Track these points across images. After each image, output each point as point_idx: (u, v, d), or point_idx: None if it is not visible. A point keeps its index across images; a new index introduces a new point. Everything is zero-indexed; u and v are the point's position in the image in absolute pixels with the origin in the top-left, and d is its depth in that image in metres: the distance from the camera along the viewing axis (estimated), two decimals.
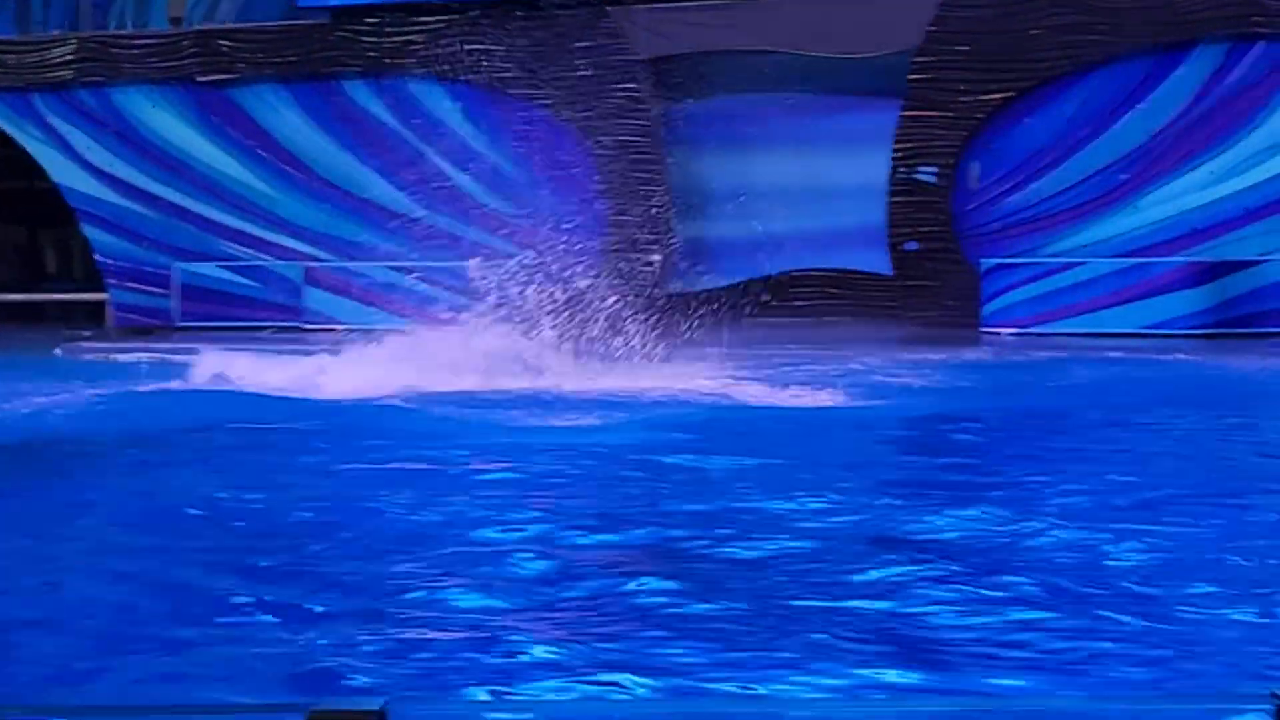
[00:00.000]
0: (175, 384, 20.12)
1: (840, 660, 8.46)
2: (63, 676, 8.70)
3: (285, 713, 3.81)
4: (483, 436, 16.23)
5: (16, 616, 9.94)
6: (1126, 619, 8.91)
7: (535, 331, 22.85)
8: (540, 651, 8.91)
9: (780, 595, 9.84)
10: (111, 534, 12.53)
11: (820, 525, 11.43)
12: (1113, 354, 22.80)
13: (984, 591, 9.63)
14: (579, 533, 11.66)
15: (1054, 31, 26.05)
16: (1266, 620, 8.92)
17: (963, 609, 9.26)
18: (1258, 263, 25.01)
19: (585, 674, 8.56)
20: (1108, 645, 8.48)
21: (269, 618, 9.84)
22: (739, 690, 8.04)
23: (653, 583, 10.10)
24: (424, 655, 8.74)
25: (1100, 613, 9.08)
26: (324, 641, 9.02)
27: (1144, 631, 8.73)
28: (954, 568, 10.16)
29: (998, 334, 25.59)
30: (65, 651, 9.18)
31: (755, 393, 19.71)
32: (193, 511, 12.80)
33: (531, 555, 11.16)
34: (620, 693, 8.07)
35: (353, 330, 27.21)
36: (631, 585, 10.13)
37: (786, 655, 8.52)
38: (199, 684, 8.41)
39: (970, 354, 23.58)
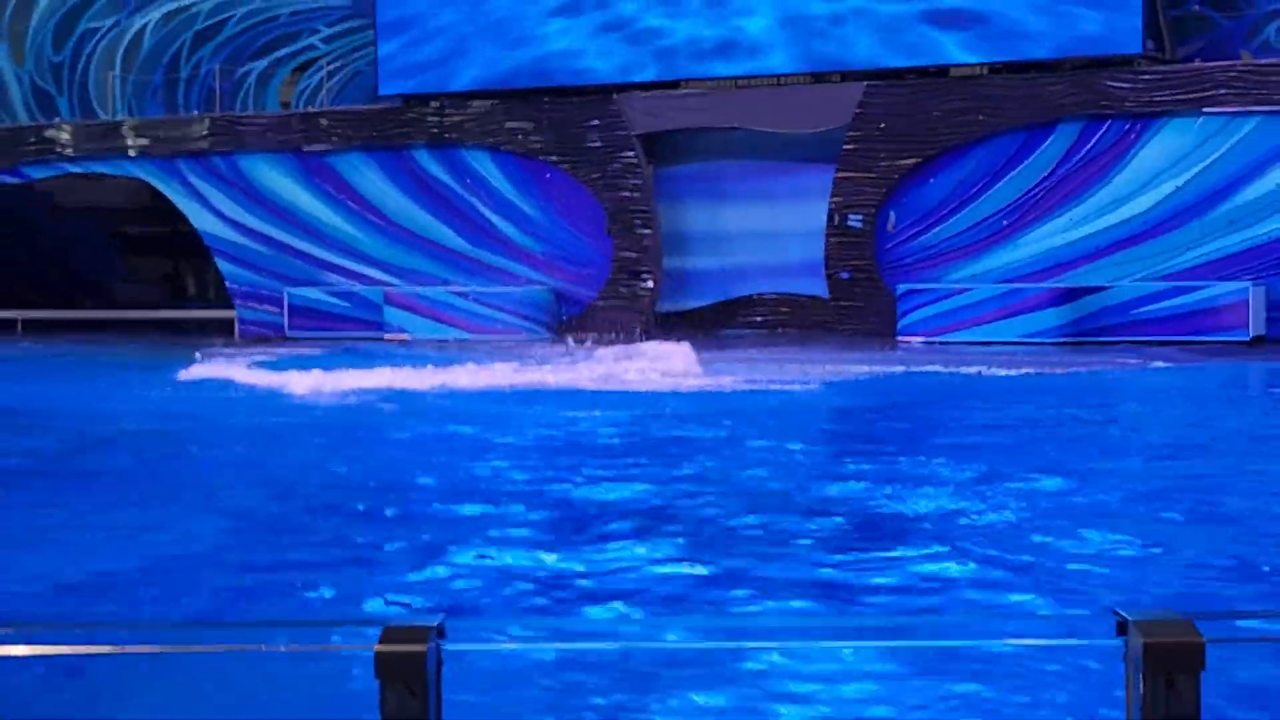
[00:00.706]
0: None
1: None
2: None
3: (365, 625, 3.48)
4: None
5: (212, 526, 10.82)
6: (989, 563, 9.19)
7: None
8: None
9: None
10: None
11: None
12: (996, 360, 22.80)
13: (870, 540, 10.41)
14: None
15: (950, 113, 26.16)
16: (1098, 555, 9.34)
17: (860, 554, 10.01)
18: (1106, 288, 25.02)
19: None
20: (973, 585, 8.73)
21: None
22: None
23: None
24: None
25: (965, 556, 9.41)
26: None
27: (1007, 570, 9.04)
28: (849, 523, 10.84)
29: (910, 342, 25.65)
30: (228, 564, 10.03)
31: (729, 382, 20.45)
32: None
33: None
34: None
35: (423, 339, 28.18)
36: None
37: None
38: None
39: (886, 357, 23.87)
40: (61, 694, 6.10)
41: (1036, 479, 12.13)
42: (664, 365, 21.59)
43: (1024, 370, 21.40)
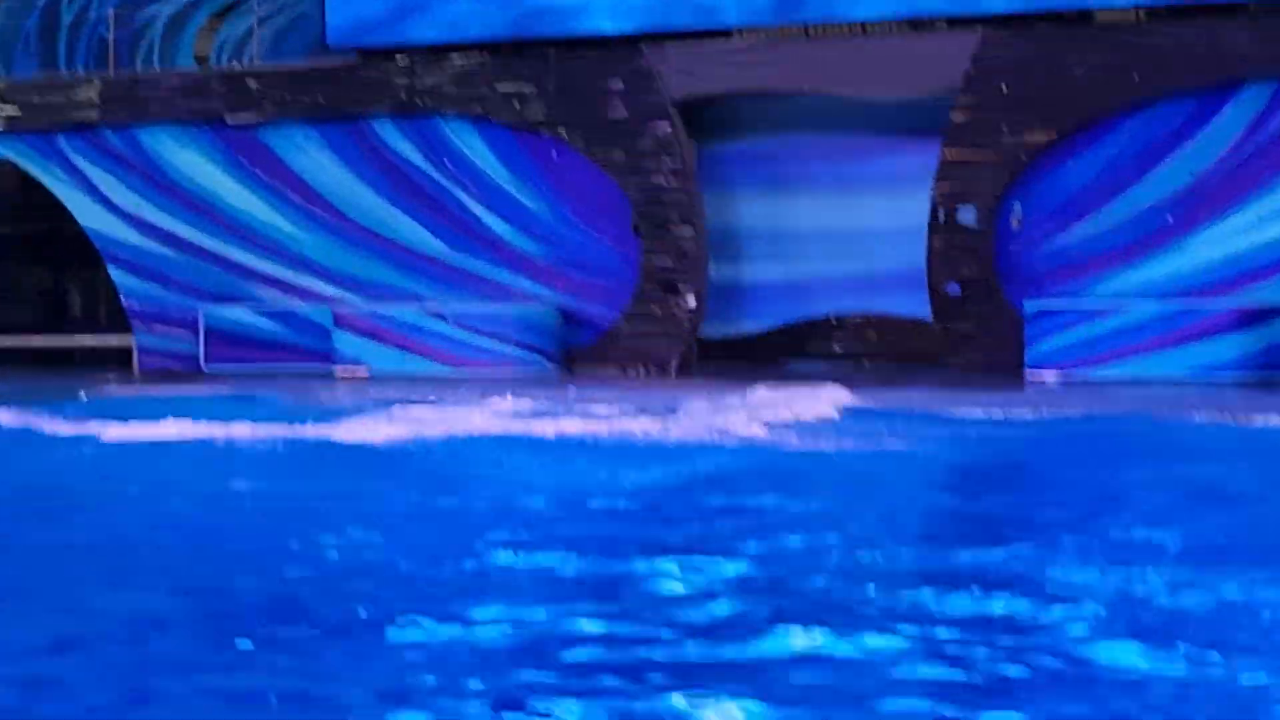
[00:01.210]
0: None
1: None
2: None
3: None
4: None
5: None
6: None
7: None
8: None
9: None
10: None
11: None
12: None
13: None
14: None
15: (1097, 71, 25.83)
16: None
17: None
18: None
19: None
20: None
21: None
22: None
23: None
24: None
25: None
26: None
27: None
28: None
29: (1041, 378, 25.27)
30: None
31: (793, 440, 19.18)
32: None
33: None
34: None
35: (385, 375, 27.48)
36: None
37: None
38: None
39: (1010, 398, 23.00)
40: None
41: None
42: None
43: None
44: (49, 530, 14.09)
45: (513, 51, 28.59)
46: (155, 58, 32.37)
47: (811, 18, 27.55)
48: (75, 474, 17.35)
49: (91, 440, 19.32)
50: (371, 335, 28.72)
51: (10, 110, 30.83)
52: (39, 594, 11.99)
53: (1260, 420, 20.49)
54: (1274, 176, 25.26)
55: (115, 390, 27.19)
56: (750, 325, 29.06)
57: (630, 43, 28.00)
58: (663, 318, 27.96)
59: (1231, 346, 24.74)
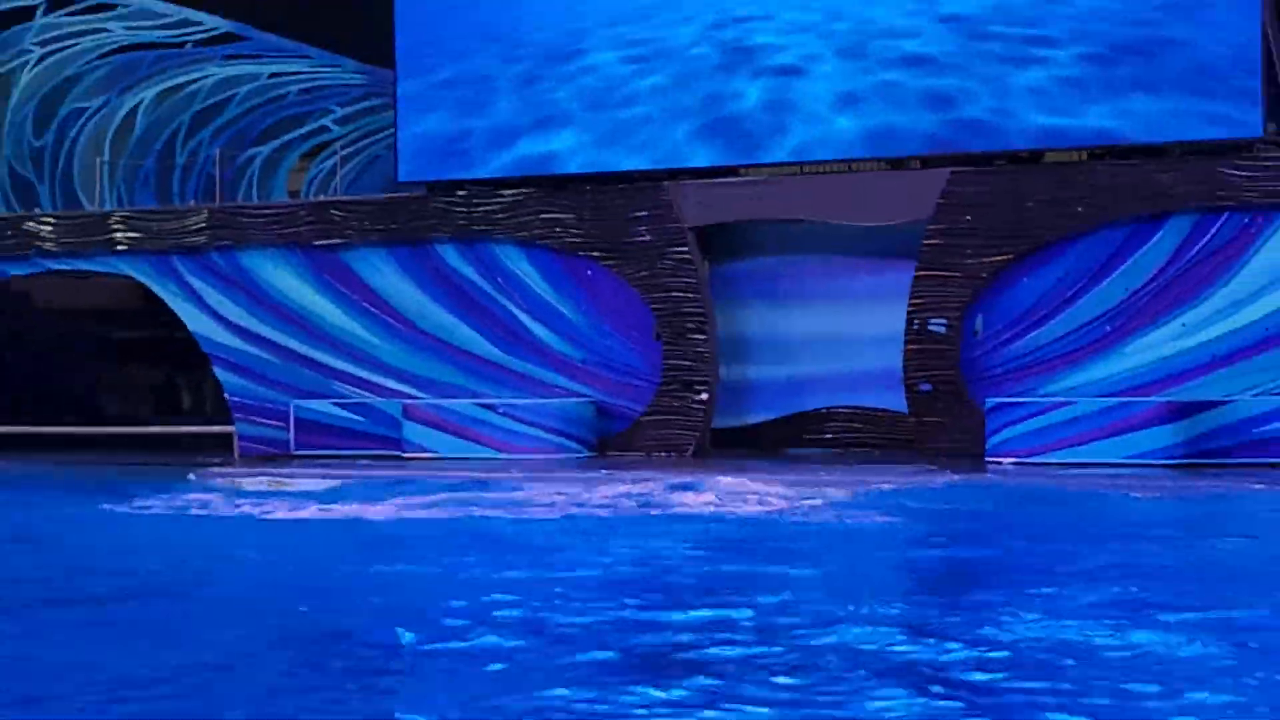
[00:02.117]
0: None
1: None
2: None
3: None
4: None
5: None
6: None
7: None
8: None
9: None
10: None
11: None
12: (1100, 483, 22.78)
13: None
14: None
15: (1047, 204, 25.99)
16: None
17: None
18: (1225, 403, 24.73)
19: None
20: None
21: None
22: None
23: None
24: None
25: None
26: None
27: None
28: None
29: (1000, 463, 25.26)
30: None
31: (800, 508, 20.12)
32: None
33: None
34: None
35: (447, 458, 27.97)
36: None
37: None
38: None
39: (979, 478, 23.61)
40: None
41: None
42: None
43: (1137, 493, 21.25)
44: (222, 585, 15.24)
45: (554, 185, 28.84)
46: (254, 192, 32.59)
47: (804, 158, 27.73)
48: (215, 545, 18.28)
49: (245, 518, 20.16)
50: (434, 425, 28.76)
51: (134, 235, 31.07)
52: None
53: (1181, 493, 21.49)
54: (1196, 293, 25.23)
55: (231, 472, 26.96)
56: (754, 416, 29.03)
57: (653, 180, 28.28)
58: (680, 410, 28.07)
59: (1160, 437, 24.59)
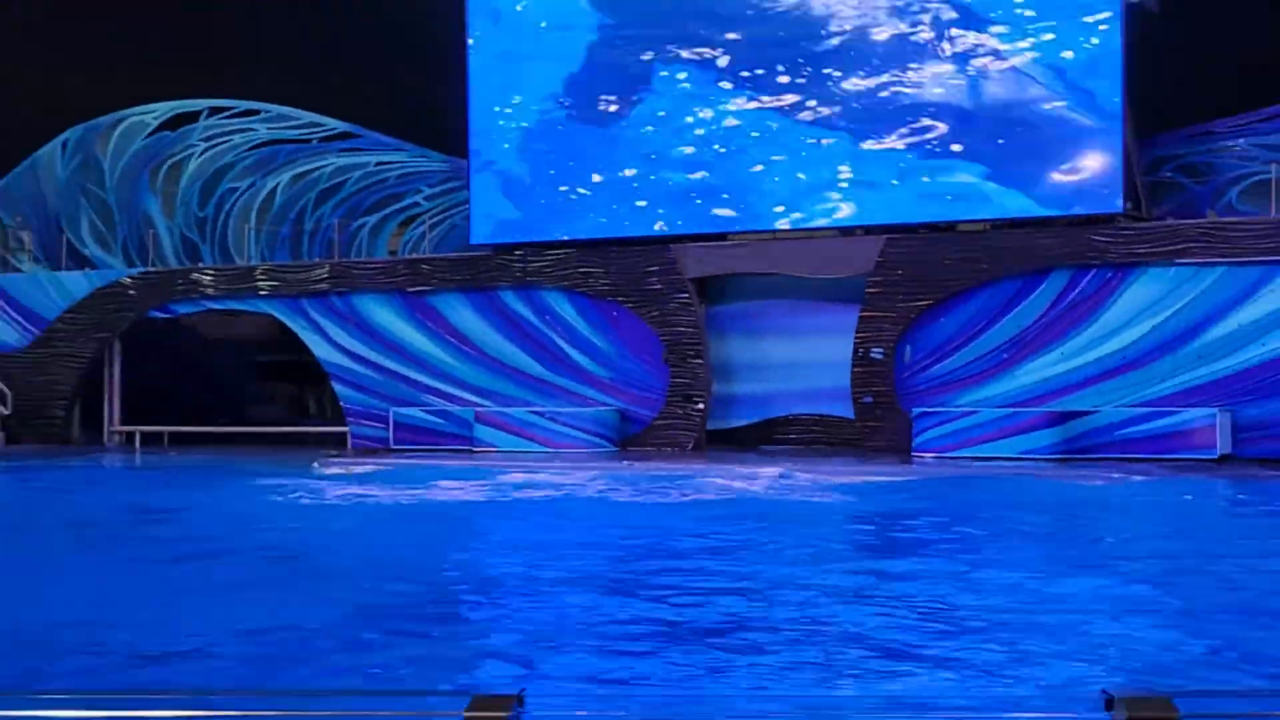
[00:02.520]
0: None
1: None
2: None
3: (452, 697, 3.46)
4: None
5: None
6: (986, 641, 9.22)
7: None
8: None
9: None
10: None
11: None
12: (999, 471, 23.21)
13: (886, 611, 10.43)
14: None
15: (959, 262, 26.20)
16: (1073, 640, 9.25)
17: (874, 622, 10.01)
18: (1092, 412, 24.86)
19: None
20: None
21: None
22: None
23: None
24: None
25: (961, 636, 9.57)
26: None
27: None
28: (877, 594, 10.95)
29: (923, 457, 25.44)
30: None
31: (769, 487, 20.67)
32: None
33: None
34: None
35: (507, 452, 28.28)
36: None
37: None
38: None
39: (903, 468, 23.93)
40: None
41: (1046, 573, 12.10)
42: None
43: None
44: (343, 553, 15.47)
45: (588, 247, 29.10)
46: (363, 250, 32.70)
47: (777, 227, 27.94)
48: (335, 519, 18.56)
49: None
50: (498, 427, 29.01)
51: (273, 283, 31.53)
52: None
53: (1055, 478, 21.93)
54: (1071, 329, 25.32)
55: (346, 460, 27.47)
56: (737, 421, 28.82)
57: (663, 243, 28.54)
58: (682, 416, 28.30)
59: (1044, 437, 24.78)
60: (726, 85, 28.38)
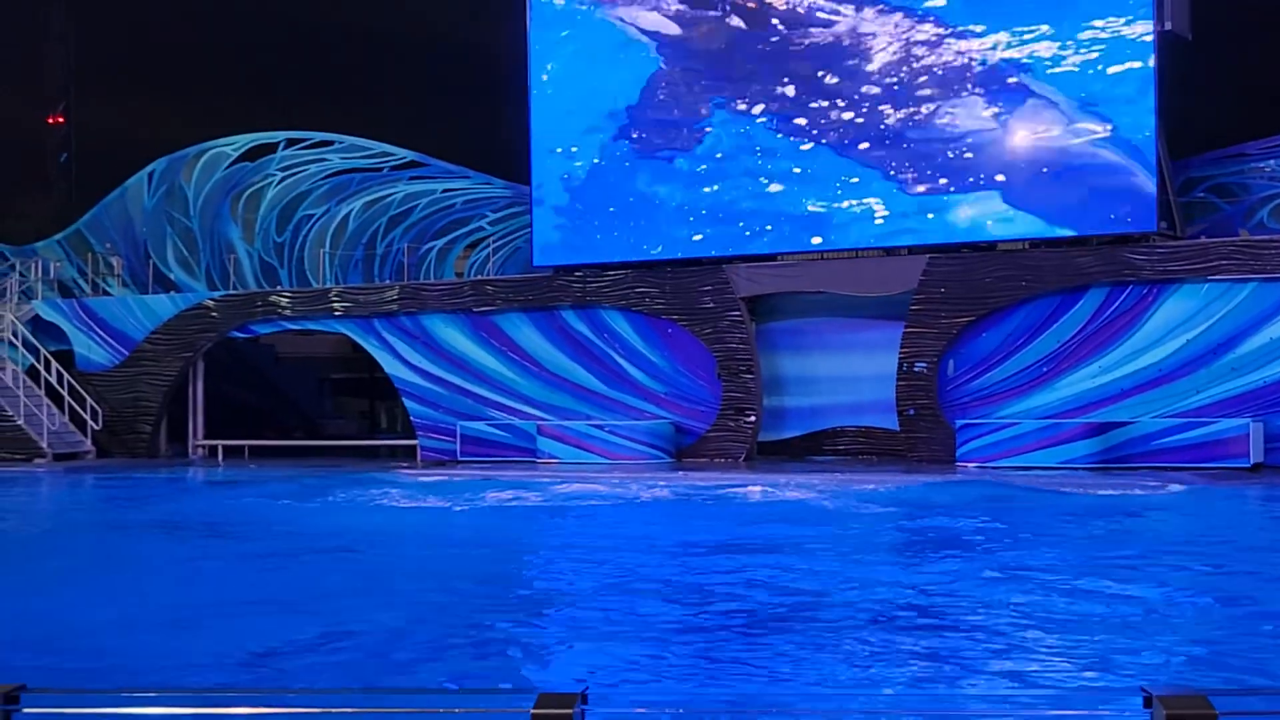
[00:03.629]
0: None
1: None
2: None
3: (519, 695, 3.46)
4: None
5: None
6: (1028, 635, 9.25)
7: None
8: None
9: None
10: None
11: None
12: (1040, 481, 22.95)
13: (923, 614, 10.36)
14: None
15: (999, 280, 26.08)
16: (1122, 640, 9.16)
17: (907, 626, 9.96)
18: (1130, 423, 24.65)
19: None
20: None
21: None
22: None
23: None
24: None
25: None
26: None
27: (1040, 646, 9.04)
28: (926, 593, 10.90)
29: (966, 466, 25.28)
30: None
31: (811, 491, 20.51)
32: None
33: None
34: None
35: (569, 463, 28.35)
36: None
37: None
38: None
39: (947, 476, 23.64)
40: None
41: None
42: None
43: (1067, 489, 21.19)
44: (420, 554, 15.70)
45: (645, 268, 29.11)
46: (431, 273, 32.88)
47: (824, 248, 27.88)
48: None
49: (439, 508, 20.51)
50: (559, 439, 28.99)
51: (346, 304, 31.52)
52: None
53: (1097, 490, 21.55)
54: (1109, 343, 25.17)
55: (416, 471, 27.73)
56: (787, 433, 28.73)
57: (715, 264, 28.49)
58: (735, 429, 28.17)
59: (1083, 447, 24.61)
60: (767, 120, 28.45)
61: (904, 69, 27.35)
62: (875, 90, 27.55)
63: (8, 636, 9.66)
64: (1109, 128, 25.58)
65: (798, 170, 28.15)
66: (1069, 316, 25.77)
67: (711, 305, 28.52)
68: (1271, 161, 26.14)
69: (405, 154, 33.20)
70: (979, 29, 26.66)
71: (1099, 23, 25.69)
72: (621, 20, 29.82)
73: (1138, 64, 25.42)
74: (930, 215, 27.04)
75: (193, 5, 48.41)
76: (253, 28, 46.81)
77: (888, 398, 27.29)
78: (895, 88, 27.37)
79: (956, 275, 26.53)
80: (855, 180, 27.64)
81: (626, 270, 29.43)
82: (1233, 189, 26.48)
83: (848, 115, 27.72)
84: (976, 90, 26.70)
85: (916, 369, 26.82)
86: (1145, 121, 25.31)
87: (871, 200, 27.53)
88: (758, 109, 28.54)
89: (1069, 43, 25.90)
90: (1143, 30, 25.36)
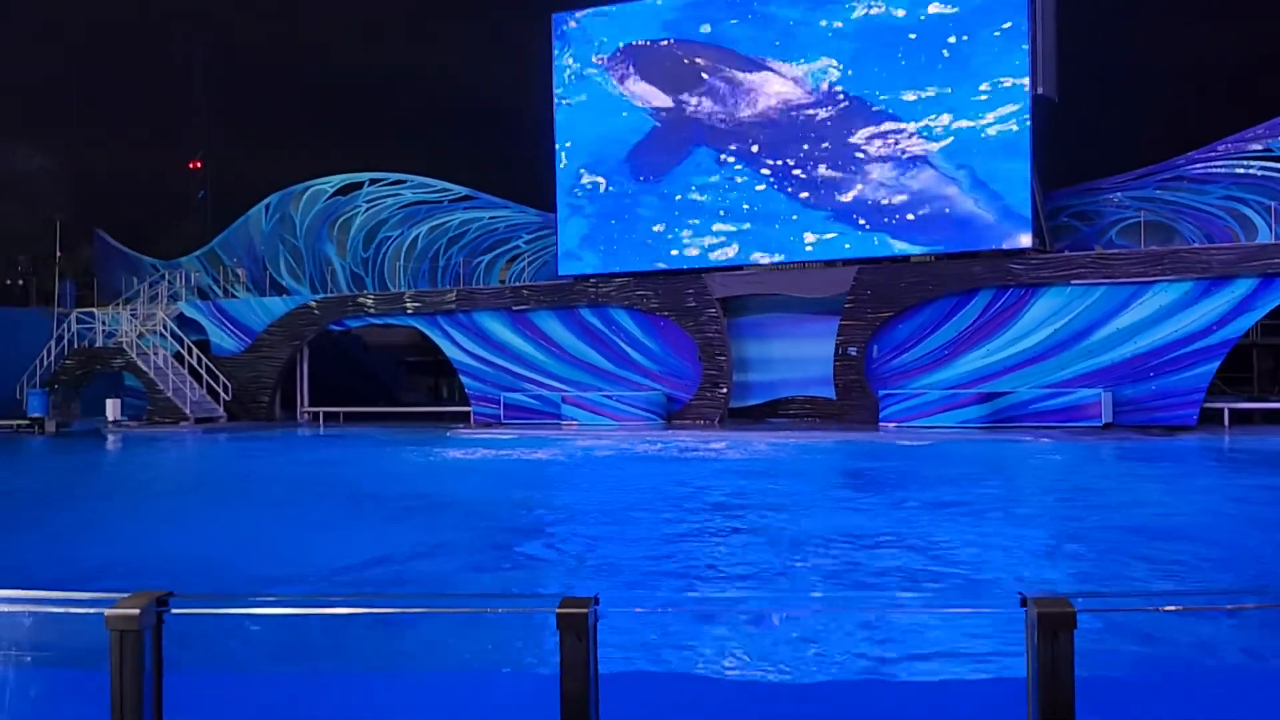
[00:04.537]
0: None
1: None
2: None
3: (543, 599, 3.64)
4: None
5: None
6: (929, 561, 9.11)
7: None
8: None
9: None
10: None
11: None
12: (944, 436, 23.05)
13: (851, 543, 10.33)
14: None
15: (912, 284, 25.93)
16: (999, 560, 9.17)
17: (837, 552, 9.94)
18: (1011, 392, 24.48)
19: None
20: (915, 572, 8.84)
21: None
22: None
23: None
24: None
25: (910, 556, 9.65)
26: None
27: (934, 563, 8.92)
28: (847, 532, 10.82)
29: (887, 426, 25.11)
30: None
31: (768, 446, 20.34)
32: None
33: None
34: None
35: (586, 425, 28.19)
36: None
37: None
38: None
39: (870, 434, 23.77)
40: (369, 640, 5.88)
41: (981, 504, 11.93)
42: None
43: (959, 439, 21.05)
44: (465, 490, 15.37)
45: (643, 276, 28.84)
46: (481, 280, 32.52)
47: (781, 261, 27.54)
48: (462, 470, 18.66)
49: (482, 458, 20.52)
50: (579, 406, 28.69)
51: (417, 304, 31.36)
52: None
53: (985, 439, 21.78)
54: (994, 333, 25.03)
55: (470, 430, 27.67)
56: (751, 401, 28.36)
57: (696, 273, 28.25)
58: (712, 398, 28.00)
59: (976, 411, 24.47)
60: (739, 164, 28.22)
61: (845, 137, 27.05)
62: (819, 152, 27.32)
63: (178, 551, 9.63)
64: (993, 174, 25.43)
65: (755, 208, 27.95)
66: (964, 311, 25.61)
67: (694, 304, 28.31)
68: (1119, 194, 25.94)
69: (461, 190, 32.97)
70: (898, 118, 26.50)
71: (985, 85, 25.51)
72: (626, 91, 29.58)
73: (1017, 124, 25.29)
74: (847, 246, 26.95)
75: (298, 75, 48.40)
76: (346, 92, 46.92)
77: (827, 374, 27.16)
78: (838, 153, 27.11)
79: (879, 281, 26.37)
80: (795, 217, 27.51)
81: (629, 278, 29.24)
82: (1089, 214, 26.32)
83: (798, 170, 27.53)
84: (891, 153, 26.52)
85: (849, 352, 26.62)
86: (1022, 164, 25.20)
87: (812, 234, 27.35)
88: (730, 159, 28.27)
89: (961, 113, 25.77)
90: (1022, 98, 25.23)
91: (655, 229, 29.16)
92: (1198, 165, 24.98)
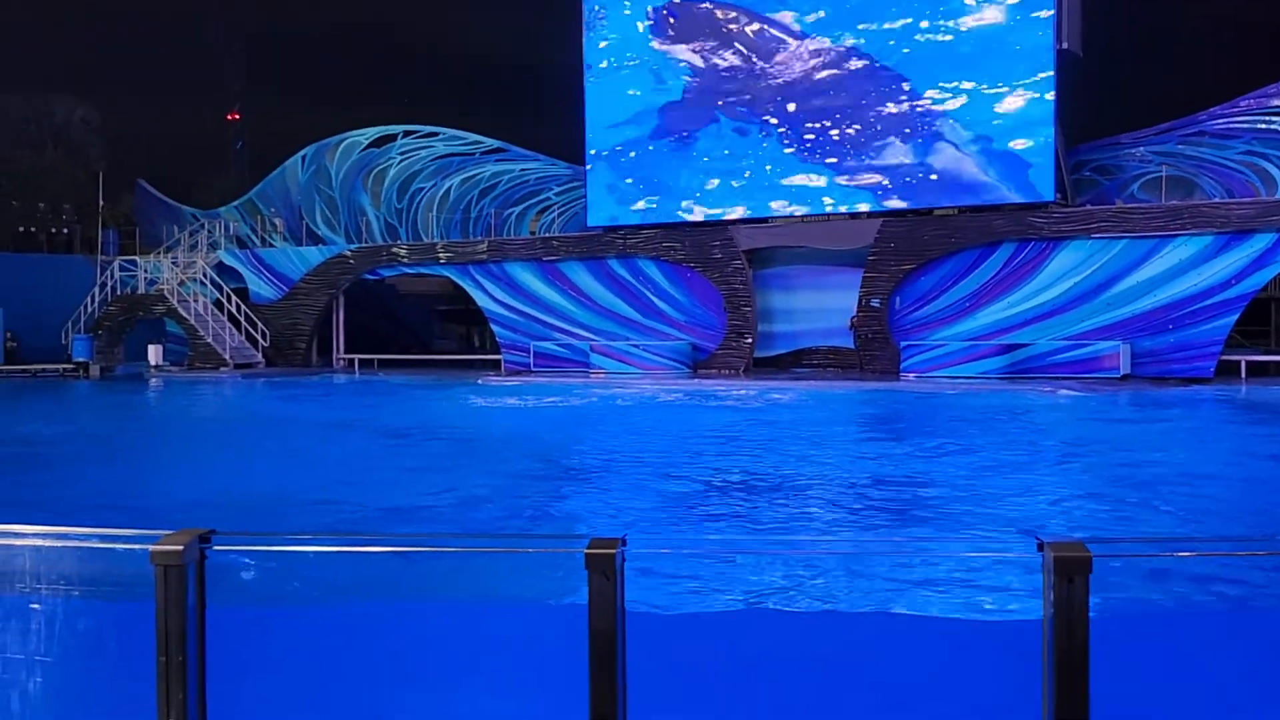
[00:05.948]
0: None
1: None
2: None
3: (572, 539, 3.54)
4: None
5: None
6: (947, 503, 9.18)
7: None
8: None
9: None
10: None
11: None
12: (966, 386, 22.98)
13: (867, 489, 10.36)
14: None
15: (935, 237, 25.74)
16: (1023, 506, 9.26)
17: (851, 491, 9.97)
18: (1030, 344, 24.38)
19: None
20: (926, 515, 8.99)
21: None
22: None
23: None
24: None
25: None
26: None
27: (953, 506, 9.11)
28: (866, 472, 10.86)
29: (908, 376, 25.03)
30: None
31: (793, 394, 20.35)
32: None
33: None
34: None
35: (613, 372, 28.23)
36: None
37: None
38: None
39: (893, 384, 23.73)
40: (402, 575, 5.90)
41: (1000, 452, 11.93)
42: None
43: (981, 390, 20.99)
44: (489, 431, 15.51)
45: (671, 228, 28.72)
46: (512, 230, 32.46)
47: (805, 213, 27.40)
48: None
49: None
50: (607, 355, 28.70)
51: (449, 254, 31.32)
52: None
53: (1009, 391, 21.74)
54: (1015, 285, 24.84)
55: (501, 378, 27.75)
56: (775, 350, 28.24)
57: (723, 225, 28.12)
58: (737, 348, 27.93)
59: (996, 362, 24.39)
60: (767, 124, 27.97)
61: (864, 108, 26.77)
62: (841, 121, 27.04)
63: (232, 486, 9.70)
64: (1022, 127, 25.11)
65: (779, 168, 27.78)
66: (986, 264, 25.38)
67: (720, 256, 28.21)
68: (1140, 148, 25.61)
69: (493, 142, 32.85)
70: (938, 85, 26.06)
71: (1014, 46, 25.19)
72: (658, 48, 29.27)
73: (1043, 85, 24.90)
74: (886, 186, 26.65)
75: (333, 30, 48.26)
76: (381, 46, 46.75)
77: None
78: (858, 122, 26.82)
79: (902, 234, 26.17)
80: (820, 180, 27.24)
81: (657, 230, 29.12)
82: (1110, 169, 26.02)
83: (813, 138, 27.27)
84: (920, 115, 26.15)
85: (872, 304, 26.49)
86: (1047, 120, 24.86)
87: (828, 199, 27.18)
88: (758, 119, 28.00)
89: (996, 77, 25.44)
90: (1048, 57, 24.83)
91: (683, 184, 28.96)
92: (1220, 120, 24.62)
